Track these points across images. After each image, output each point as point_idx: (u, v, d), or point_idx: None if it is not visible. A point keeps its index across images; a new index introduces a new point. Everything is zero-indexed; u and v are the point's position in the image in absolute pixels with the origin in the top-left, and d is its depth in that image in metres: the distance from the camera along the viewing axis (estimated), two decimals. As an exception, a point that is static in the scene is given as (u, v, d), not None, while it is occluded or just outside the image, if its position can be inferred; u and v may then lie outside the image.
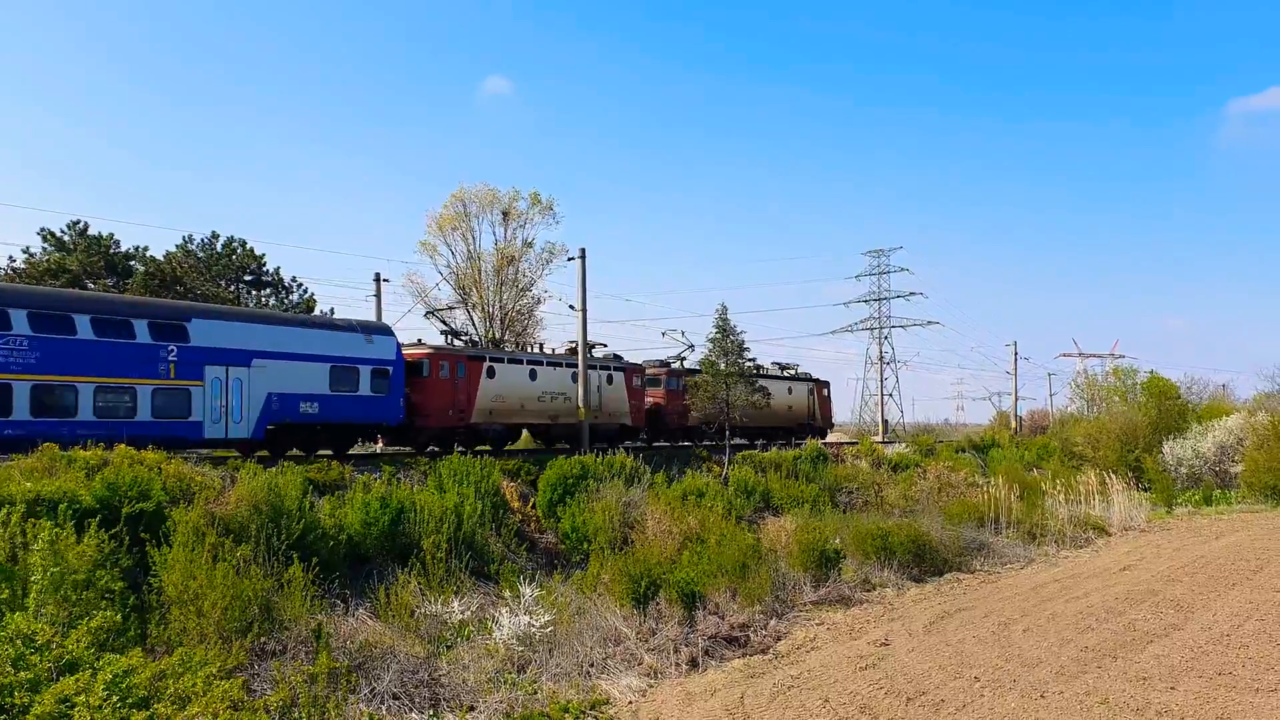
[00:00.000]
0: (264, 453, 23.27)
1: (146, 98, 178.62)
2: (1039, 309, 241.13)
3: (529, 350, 33.32)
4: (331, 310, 44.35)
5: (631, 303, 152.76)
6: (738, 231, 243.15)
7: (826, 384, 49.83)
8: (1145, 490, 36.54)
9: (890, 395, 79.10)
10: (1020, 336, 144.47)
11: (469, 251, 43.80)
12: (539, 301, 44.55)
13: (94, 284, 37.49)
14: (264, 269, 43.67)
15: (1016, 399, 77.60)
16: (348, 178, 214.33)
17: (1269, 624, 14.97)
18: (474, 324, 43.41)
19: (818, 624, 16.01)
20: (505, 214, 43.52)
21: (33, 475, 14.45)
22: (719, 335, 32.96)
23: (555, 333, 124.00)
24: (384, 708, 10.57)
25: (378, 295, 37.36)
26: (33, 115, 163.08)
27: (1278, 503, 35.21)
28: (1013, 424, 74.42)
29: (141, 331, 20.97)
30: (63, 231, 39.33)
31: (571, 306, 33.73)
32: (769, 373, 44.37)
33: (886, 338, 79.60)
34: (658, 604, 15.05)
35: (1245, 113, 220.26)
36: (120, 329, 20.69)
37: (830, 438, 50.93)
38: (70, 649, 8.68)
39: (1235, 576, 19.71)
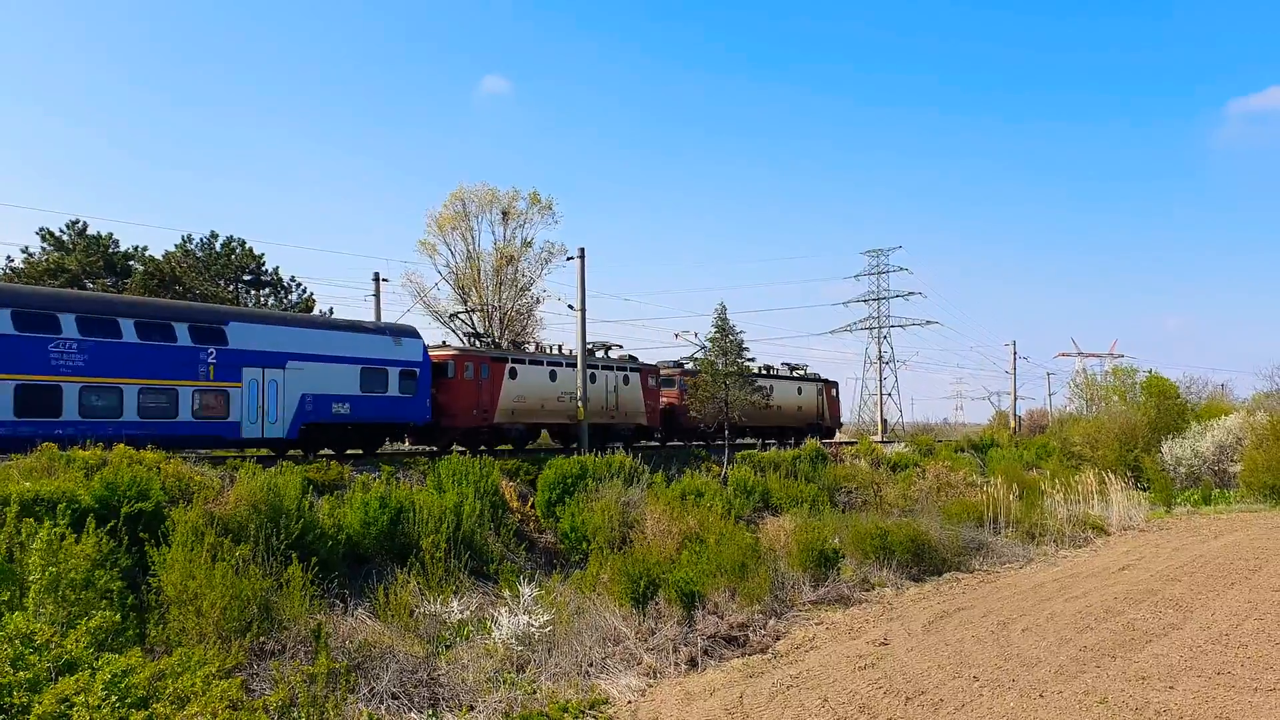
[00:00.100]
0: (297, 452, 24.07)
1: (146, 98, 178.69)
2: (1038, 308, 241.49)
3: (548, 352, 33.84)
4: (330, 310, 44.39)
5: (631, 302, 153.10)
6: (737, 231, 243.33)
7: (835, 384, 50.45)
8: (1144, 490, 36.57)
9: (889, 395, 79.25)
10: (1019, 336, 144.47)
11: (468, 251, 43.82)
12: (538, 301, 44.60)
13: (92, 284, 37.48)
14: (263, 269, 43.66)
15: (1015, 398, 77.77)
16: (347, 177, 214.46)
17: (1268, 623, 14.98)
18: (472, 323, 43.42)
19: (817, 623, 16.02)
20: (505, 213, 43.50)
21: (31, 475, 14.45)
22: (718, 335, 32.99)
23: (554, 333, 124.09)
24: (383, 707, 10.56)
25: (376, 295, 37.39)
26: (33, 115, 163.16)
27: (1276, 502, 35.24)
28: (1012, 424, 74.49)
29: (182, 334, 21.59)
30: (62, 231, 39.33)
31: (571, 306, 33.78)
32: (779, 373, 45.04)
33: (885, 337, 79.71)
34: (657, 604, 15.05)
35: (1245, 112, 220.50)
36: (162, 332, 21.30)
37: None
38: (69, 649, 8.68)
39: (1234, 576, 19.73)
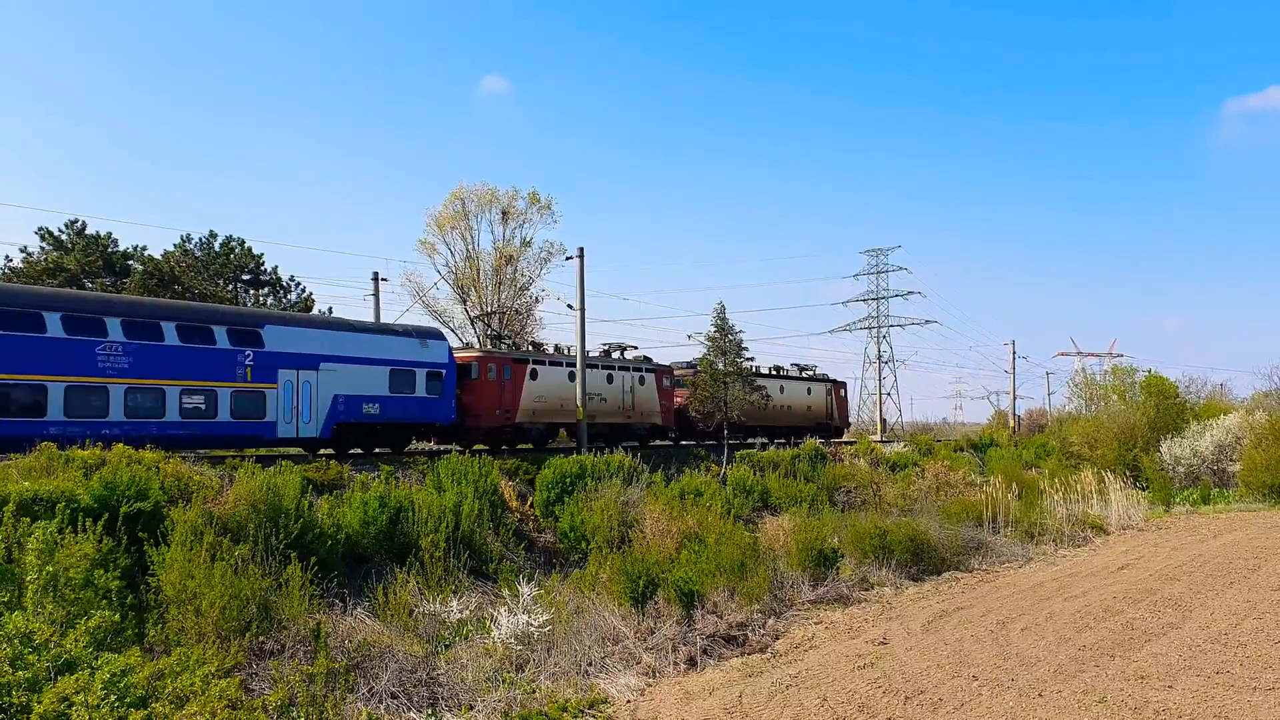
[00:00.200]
0: (329, 451, 24.80)
1: (146, 98, 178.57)
2: (1037, 308, 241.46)
3: (567, 353, 34.49)
4: (329, 309, 44.39)
5: (630, 302, 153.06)
6: (737, 231, 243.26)
7: (844, 384, 51.24)
8: (1143, 489, 36.57)
9: (888, 394, 79.16)
10: (1018, 335, 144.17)
11: (467, 251, 43.84)
12: (536, 301, 44.64)
13: (91, 284, 37.47)
14: (262, 268, 43.65)
15: (1015, 398, 77.78)
16: (347, 177, 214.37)
17: (1267, 622, 14.98)
18: (471, 323, 43.46)
19: (816, 623, 16.02)
20: (504, 213, 43.53)
21: (30, 474, 14.44)
22: (717, 334, 33.00)
23: (554, 332, 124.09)
24: (382, 707, 10.56)
25: (376, 295, 37.42)
26: (33, 115, 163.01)
27: (1275, 501, 35.25)
28: (1011, 423, 74.51)
29: (221, 337, 22.27)
30: (61, 231, 39.33)
31: (570, 306, 33.85)
32: (788, 374, 45.67)
33: (885, 337, 79.66)
34: (656, 603, 15.05)
35: (1243, 112, 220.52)
36: (202, 335, 22.01)
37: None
38: (68, 648, 8.67)
39: (1233, 575, 19.74)
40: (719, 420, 33.38)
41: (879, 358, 79.32)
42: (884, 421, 74.21)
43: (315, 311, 42.23)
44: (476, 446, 29.33)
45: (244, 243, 42.92)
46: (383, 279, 37.68)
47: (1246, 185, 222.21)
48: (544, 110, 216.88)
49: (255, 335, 22.96)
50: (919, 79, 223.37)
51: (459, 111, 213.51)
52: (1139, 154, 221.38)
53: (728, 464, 30.88)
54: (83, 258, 38.16)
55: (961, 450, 46.67)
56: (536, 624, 13.43)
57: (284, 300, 43.63)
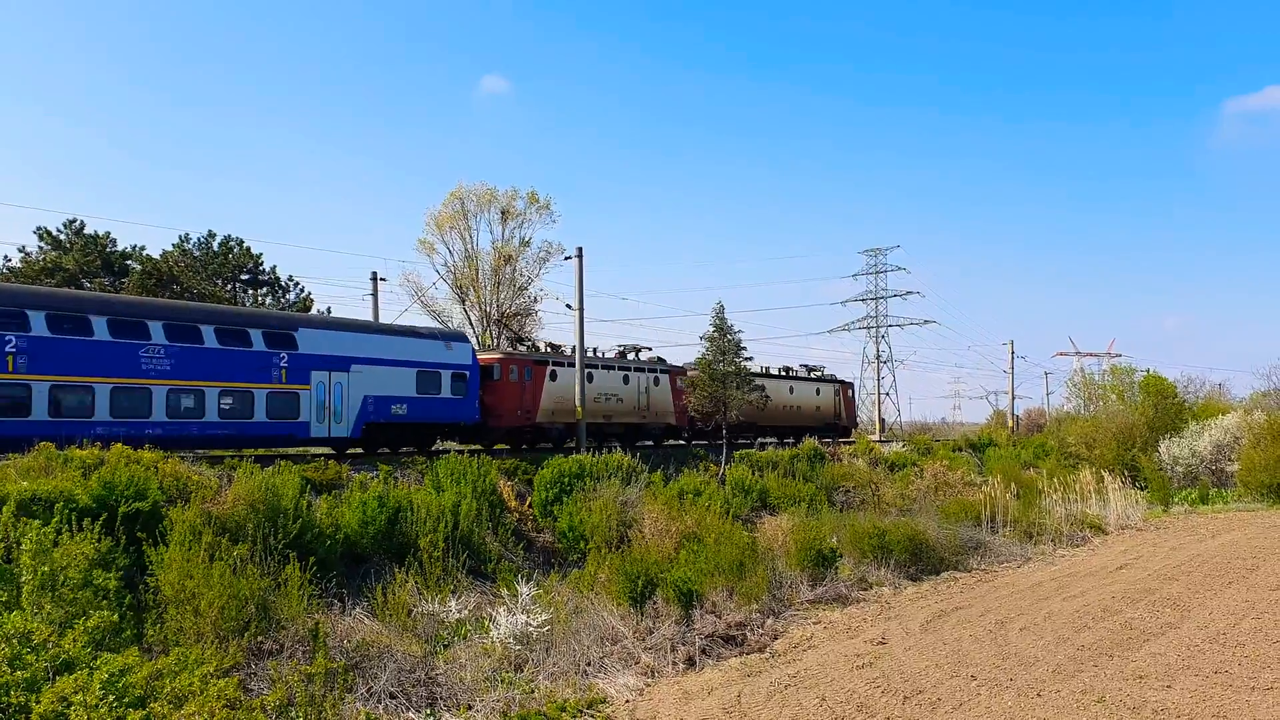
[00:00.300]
0: (358, 450, 25.69)
1: (146, 97, 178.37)
2: (1036, 308, 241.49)
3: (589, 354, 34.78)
4: (328, 309, 44.37)
5: (629, 301, 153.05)
6: (737, 231, 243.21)
7: (851, 385, 52.18)
8: (1141, 489, 36.61)
9: (887, 394, 79.22)
10: (1017, 335, 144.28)
11: (466, 250, 43.85)
12: (536, 300, 44.68)
13: (90, 283, 37.44)
14: (260, 268, 43.62)
15: (1013, 398, 77.76)
16: (346, 177, 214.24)
17: (1265, 622, 15.00)
18: (470, 323, 43.48)
19: (814, 623, 16.03)
20: (504, 213, 43.56)
21: (29, 474, 14.43)
22: (716, 334, 32.98)
23: (552, 332, 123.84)
24: (381, 707, 10.56)
25: (374, 294, 37.41)
26: (32, 115, 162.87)
27: (1274, 501, 35.28)
28: (1009, 423, 74.55)
29: (257, 340, 23.01)
30: (59, 230, 39.29)
31: (569, 305, 33.90)
32: (798, 375, 46.29)
33: (883, 336, 79.67)
34: (655, 603, 15.05)
35: (1242, 112, 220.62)
36: (239, 338, 22.73)
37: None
38: (67, 648, 8.67)
39: (1231, 575, 19.75)
40: (717, 421, 33.40)
41: (878, 357, 79.38)
42: (883, 421, 74.23)
43: (313, 311, 42.22)
44: (497, 445, 30.14)
45: (242, 242, 42.93)
46: (381, 279, 37.73)
47: (1245, 185, 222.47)
48: (544, 110, 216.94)
49: (290, 338, 23.74)
50: (919, 79, 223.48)
51: (459, 111, 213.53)
52: (1138, 154, 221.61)
53: (726, 464, 30.88)
54: (81, 257, 38.12)
55: (960, 450, 46.72)
56: (535, 624, 13.43)
57: (282, 300, 43.60)
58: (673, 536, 18.82)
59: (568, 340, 35.93)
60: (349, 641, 11.98)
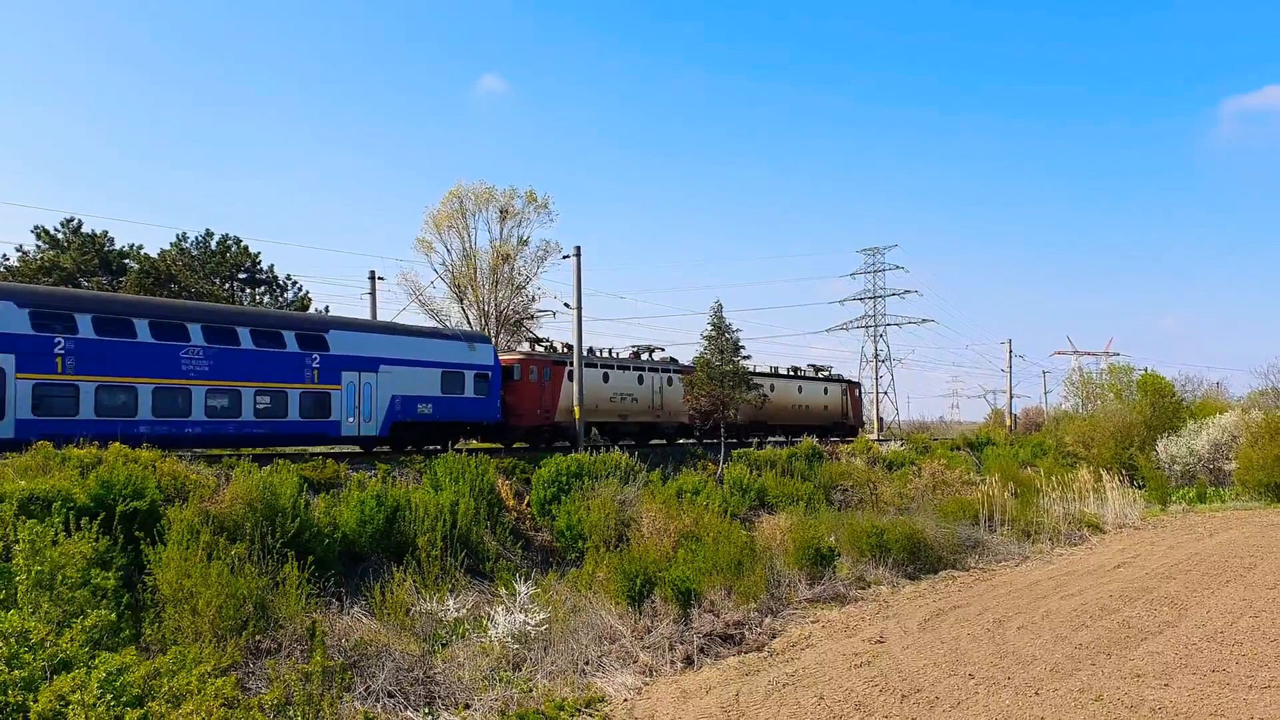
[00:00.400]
0: (386, 448, 26.52)
1: (145, 97, 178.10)
2: (1034, 307, 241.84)
3: (600, 356, 35.85)
4: (326, 308, 44.33)
5: (628, 300, 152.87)
6: (735, 230, 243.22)
7: (858, 385, 52.75)
8: (1139, 488, 36.63)
9: (885, 393, 79.11)
10: (1016, 334, 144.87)
11: (465, 249, 43.83)
12: (534, 299, 44.68)
13: (87, 282, 37.37)
14: (258, 267, 43.56)
15: (1011, 397, 77.80)
16: (345, 176, 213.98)
17: (1263, 621, 15.02)
18: (468, 322, 43.47)
19: (813, 621, 16.03)
20: (502, 212, 43.55)
21: (27, 473, 14.40)
22: (714, 334, 32.96)
23: (550, 331, 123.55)
24: (379, 706, 10.55)
25: (373, 293, 37.38)
26: (31, 114, 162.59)
27: (1271, 500, 35.33)
28: (1008, 422, 74.58)
29: (290, 342, 23.76)
30: (57, 229, 39.21)
31: (567, 304, 33.88)
32: (806, 375, 46.93)
33: (882, 335, 79.53)
34: (653, 602, 15.05)
35: (1240, 112, 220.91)
36: (274, 339, 23.45)
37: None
38: (65, 647, 8.66)
39: (1229, 574, 19.77)
40: (717, 420, 33.39)
41: (876, 356, 79.30)
42: (881, 420, 74.24)
43: (311, 310, 42.20)
44: (516, 444, 30.74)
45: (240, 241, 42.84)
46: (380, 278, 37.68)
47: (1243, 185, 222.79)
48: (543, 110, 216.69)
49: (321, 339, 24.48)
50: (919, 79, 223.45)
51: (457, 111, 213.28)
52: (1137, 153, 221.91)
53: (725, 462, 30.87)
54: (78, 256, 38.04)
55: (958, 449, 46.75)
56: (533, 623, 13.42)
57: (280, 299, 43.54)
58: (671, 535, 18.82)
59: (565, 339, 36.05)
60: (347, 640, 11.97)
